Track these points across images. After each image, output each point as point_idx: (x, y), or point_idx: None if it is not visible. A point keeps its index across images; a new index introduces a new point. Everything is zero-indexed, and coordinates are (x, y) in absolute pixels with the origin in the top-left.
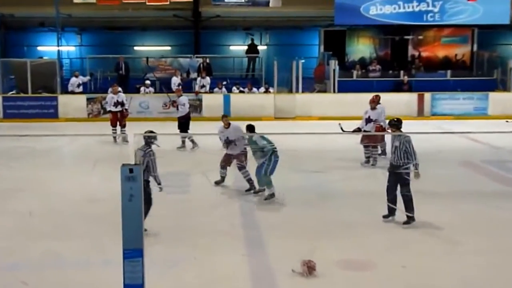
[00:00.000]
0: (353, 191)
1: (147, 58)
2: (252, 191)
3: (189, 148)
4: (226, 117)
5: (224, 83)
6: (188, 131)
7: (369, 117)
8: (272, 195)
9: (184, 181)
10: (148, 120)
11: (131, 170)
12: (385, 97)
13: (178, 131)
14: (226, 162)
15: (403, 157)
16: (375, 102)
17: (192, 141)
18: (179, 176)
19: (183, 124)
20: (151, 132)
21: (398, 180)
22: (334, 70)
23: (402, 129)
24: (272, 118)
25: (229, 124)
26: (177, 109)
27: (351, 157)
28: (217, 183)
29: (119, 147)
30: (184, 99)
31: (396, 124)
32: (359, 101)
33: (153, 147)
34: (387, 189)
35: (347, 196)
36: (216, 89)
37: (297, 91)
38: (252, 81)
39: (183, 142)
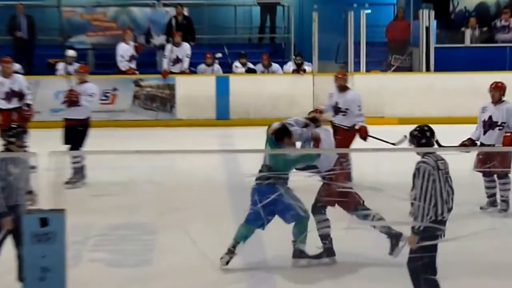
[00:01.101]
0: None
1: (70, 7)
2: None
3: (78, 181)
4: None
5: (219, 55)
6: (82, 147)
7: (336, 104)
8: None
9: (142, 245)
10: None
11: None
12: None
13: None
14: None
15: None
16: (343, 79)
17: (77, 169)
18: (132, 234)
19: (77, 135)
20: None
21: None
22: (427, 29)
23: None
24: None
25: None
26: (74, 104)
27: (459, 196)
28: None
29: None
30: (90, 87)
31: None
32: (478, 87)
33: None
34: None
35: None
36: (202, 67)
37: (356, 69)
38: (270, 50)
39: (78, 171)
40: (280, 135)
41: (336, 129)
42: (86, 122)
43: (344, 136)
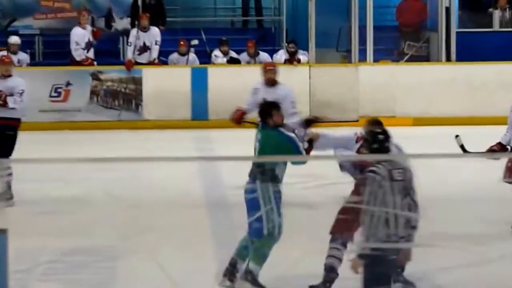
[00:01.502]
0: None
1: None
2: None
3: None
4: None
5: (195, 42)
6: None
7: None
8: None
9: (101, 273)
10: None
11: None
12: None
13: None
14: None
15: None
16: (273, 71)
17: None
18: (89, 261)
19: (6, 141)
20: None
21: None
22: (448, 10)
23: None
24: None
25: None
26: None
27: (486, 211)
28: None
29: None
30: (18, 83)
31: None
32: (509, 80)
33: None
34: None
35: None
36: (174, 56)
37: (362, 59)
38: (257, 36)
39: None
40: (266, 110)
41: None
42: (17, 124)
43: None
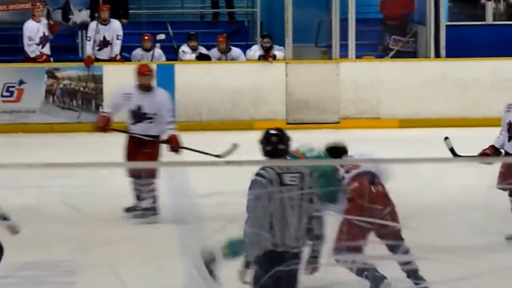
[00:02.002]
0: None
1: None
2: None
3: None
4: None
5: (161, 37)
6: None
7: (139, 108)
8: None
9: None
10: None
11: None
12: None
13: None
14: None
15: None
16: (150, 77)
17: None
18: (45, 276)
19: None
20: None
21: None
22: (437, 2)
23: None
24: (284, 124)
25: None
26: None
27: (477, 221)
28: None
29: None
30: None
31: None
32: (503, 78)
33: None
34: None
35: None
36: (138, 52)
37: (343, 55)
38: (229, 30)
39: None
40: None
41: (137, 140)
42: None
43: (152, 149)
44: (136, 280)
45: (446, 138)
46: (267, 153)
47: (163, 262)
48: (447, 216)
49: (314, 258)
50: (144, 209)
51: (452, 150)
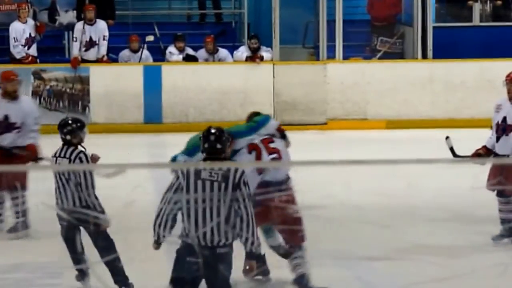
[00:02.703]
0: None
1: None
2: None
3: None
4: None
5: (150, 38)
6: None
7: (6, 118)
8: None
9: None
10: None
11: None
12: None
13: None
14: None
15: None
16: (14, 84)
17: None
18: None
19: None
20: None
21: None
22: (424, 3)
23: None
24: None
25: None
26: None
27: (467, 219)
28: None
29: None
30: None
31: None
32: (491, 79)
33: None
34: None
35: None
36: (125, 53)
37: (330, 56)
38: (216, 31)
39: None
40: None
41: (6, 153)
42: None
43: (20, 161)
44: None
45: (447, 138)
46: (204, 150)
47: (145, 264)
48: (431, 216)
49: (249, 257)
50: (15, 223)
51: (452, 150)
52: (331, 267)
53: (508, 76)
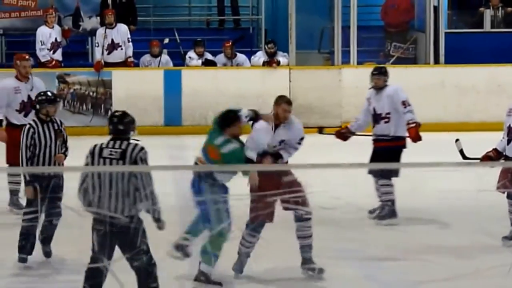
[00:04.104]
0: None
1: None
2: None
3: None
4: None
5: (166, 41)
6: None
7: None
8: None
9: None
10: None
11: None
12: None
13: None
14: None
15: None
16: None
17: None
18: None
19: None
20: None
21: None
22: (436, 9)
23: None
24: None
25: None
26: None
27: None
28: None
29: None
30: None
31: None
32: (502, 84)
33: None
34: None
35: None
36: (146, 58)
37: (345, 61)
38: (235, 37)
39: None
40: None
41: None
42: None
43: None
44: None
45: (457, 140)
46: (109, 132)
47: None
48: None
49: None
50: None
51: (461, 152)
52: (343, 267)
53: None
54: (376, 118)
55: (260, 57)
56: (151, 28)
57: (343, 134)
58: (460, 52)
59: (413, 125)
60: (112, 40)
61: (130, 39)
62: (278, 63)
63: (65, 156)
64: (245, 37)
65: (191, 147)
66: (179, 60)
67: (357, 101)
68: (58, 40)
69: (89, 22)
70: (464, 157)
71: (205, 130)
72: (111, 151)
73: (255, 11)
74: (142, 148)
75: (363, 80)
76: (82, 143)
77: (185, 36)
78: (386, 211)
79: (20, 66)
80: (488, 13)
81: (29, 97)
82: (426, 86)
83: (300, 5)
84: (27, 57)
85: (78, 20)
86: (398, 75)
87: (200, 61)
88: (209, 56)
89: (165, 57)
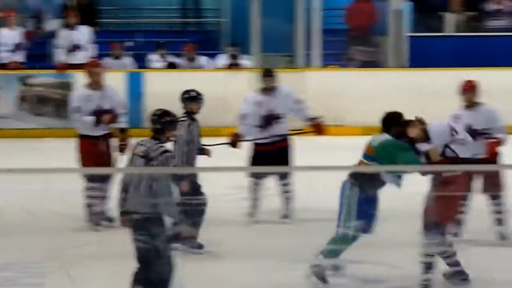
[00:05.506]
0: None
1: None
2: None
3: None
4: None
5: (129, 43)
6: None
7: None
8: None
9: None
10: None
11: None
12: None
13: None
14: None
15: None
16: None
17: None
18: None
19: None
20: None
21: None
22: (399, 13)
23: None
24: None
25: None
26: None
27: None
28: None
29: None
30: None
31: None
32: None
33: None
34: None
35: None
36: (106, 60)
37: (309, 64)
38: (197, 39)
39: None
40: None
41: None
42: None
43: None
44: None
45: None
46: (150, 130)
47: (123, 266)
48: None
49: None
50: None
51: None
52: None
53: (465, 85)
54: (271, 119)
55: (223, 59)
56: (113, 30)
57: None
58: (423, 56)
59: (320, 120)
60: (74, 41)
61: (91, 40)
62: (240, 66)
63: None
64: (208, 40)
65: None
66: (141, 62)
67: (320, 105)
68: (20, 42)
69: (51, 24)
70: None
71: None
72: (141, 148)
73: (218, 13)
74: (166, 151)
75: (326, 84)
76: (44, 145)
77: (148, 39)
78: None
79: (92, 73)
80: (450, 17)
81: (100, 106)
82: (389, 90)
83: (263, 7)
84: (98, 64)
85: (40, 22)
86: (361, 78)
87: (162, 64)
88: (171, 58)
89: (127, 59)
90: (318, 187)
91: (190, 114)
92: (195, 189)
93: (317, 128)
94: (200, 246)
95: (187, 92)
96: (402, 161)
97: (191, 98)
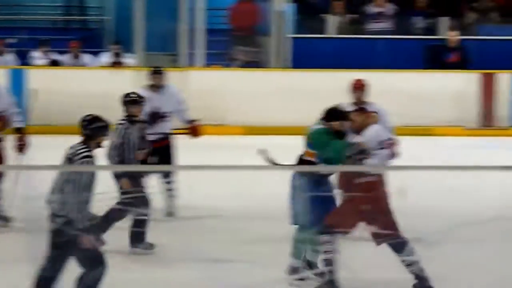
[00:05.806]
0: None
1: None
2: None
3: None
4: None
5: (12, 40)
6: None
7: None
8: None
9: None
10: None
11: None
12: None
13: None
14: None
15: None
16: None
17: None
18: None
19: None
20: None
21: None
22: (281, 14)
23: None
24: None
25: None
26: None
27: None
28: None
29: None
30: None
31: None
32: (346, 88)
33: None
34: None
35: None
36: None
37: (191, 63)
38: (81, 37)
39: None
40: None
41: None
42: None
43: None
44: None
45: (262, 151)
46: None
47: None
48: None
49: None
50: None
51: (271, 161)
52: None
53: (355, 83)
54: (156, 117)
55: (106, 57)
56: None
57: None
58: (306, 57)
59: (197, 122)
60: None
61: None
62: (124, 64)
63: None
64: (92, 38)
65: (35, 146)
66: (24, 59)
67: (203, 104)
68: None
69: None
70: (275, 163)
71: (50, 129)
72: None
73: (102, 11)
74: (86, 156)
75: (209, 83)
76: None
77: (31, 36)
78: None
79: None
80: (331, 19)
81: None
82: (271, 90)
83: (148, 6)
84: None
85: None
86: (244, 78)
87: (45, 61)
88: (55, 55)
89: (10, 56)
90: (199, 186)
91: (130, 117)
92: (138, 190)
93: (193, 130)
94: (151, 246)
95: (127, 95)
96: (333, 147)
97: (132, 101)
